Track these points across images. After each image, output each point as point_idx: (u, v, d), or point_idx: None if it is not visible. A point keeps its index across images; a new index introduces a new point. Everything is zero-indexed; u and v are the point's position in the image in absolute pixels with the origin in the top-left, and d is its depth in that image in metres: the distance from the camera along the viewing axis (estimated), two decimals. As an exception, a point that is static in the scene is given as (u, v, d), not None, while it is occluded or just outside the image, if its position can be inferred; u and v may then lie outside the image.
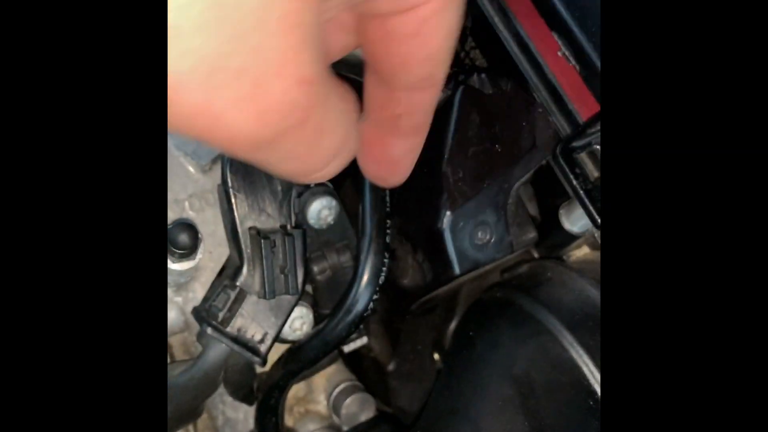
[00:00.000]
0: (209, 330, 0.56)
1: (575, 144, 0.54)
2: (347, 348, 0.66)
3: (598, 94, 0.56)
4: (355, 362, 0.77)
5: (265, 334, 0.58)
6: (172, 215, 0.62)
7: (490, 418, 0.53)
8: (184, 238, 0.54)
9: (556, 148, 0.54)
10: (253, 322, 0.57)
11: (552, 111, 0.61)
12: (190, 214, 0.63)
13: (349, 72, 0.46)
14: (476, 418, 0.54)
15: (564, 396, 0.53)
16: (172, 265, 0.56)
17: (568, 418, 0.53)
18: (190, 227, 0.55)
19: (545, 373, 0.54)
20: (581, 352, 0.55)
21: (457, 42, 0.75)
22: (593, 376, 0.54)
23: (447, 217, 0.57)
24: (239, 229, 0.57)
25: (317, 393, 0.73)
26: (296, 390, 0.72)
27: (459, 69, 0.61)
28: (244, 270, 0.57)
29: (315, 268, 0.64)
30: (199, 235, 0.57)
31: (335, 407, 0.71)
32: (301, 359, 0.61)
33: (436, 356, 0.78)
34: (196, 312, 0.58)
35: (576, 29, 0.57)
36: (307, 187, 0.61)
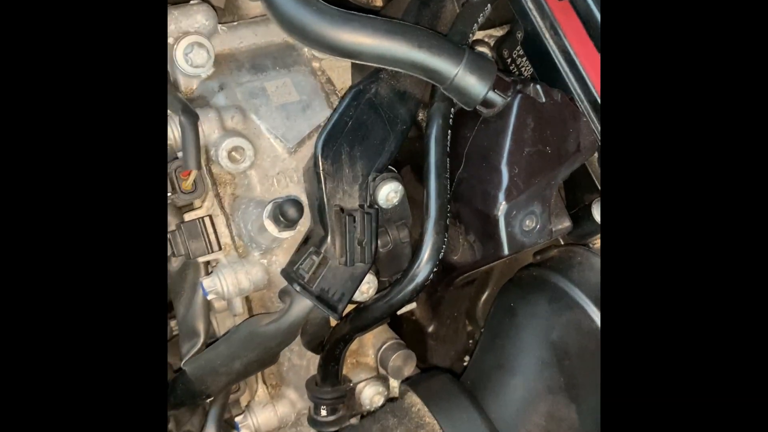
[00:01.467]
0: (297, 288, 0.67)
1: (616, 153, 0.64)
2: (400, 311, 0.77)
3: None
4: (396, 324, 0.89)
5: (342, 295, 0.68)
6: (261, 189, 0.72)
7: (531, 374, 0.65)
8: (293, 211, 0.64)
9: (599, 156, 0.65)
10: (333, 284, 0.68)
11: (593, 121, 0.72)
12: (277, 189, 0.73)
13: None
14: (520, 373, 0.65)
15: (592, 359, 0.65)
16: (276, 233, 0.66)
17: (595, 377, 0.64)
18: (298, 203, 0.64)
19: (577, 340, 0.66)
20: (606, 324, 0.66)
21: (507, 48, 0.85)
22: (616, 345, 0.65)
23: (503, 206, 0.68)
24: (326, 206, 0.67)
25: (367, 348, 0.84)
26: (350, 345, 0.83)
27: (517, 79, 0.71)
28: (328, 240, 0.67)
29: (379, 242, 0.74)
30: (305, 210, 0.67)
31: (382, 361, 0.83)
32: (367, 318, 0.72)
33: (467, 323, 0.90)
34: (286, 273, 0.68)
35: (622, 54, 0.67)
36: (379, 172, 0.70)
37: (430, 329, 0.88)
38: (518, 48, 0.80)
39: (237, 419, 0.80)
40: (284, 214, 0.64)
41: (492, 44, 0.85)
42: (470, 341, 0.95)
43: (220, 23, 0.77)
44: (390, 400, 0.80)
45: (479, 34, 0.86)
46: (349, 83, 0.84)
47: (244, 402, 0.83)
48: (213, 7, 0.78)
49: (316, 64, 0.80)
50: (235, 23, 0.79)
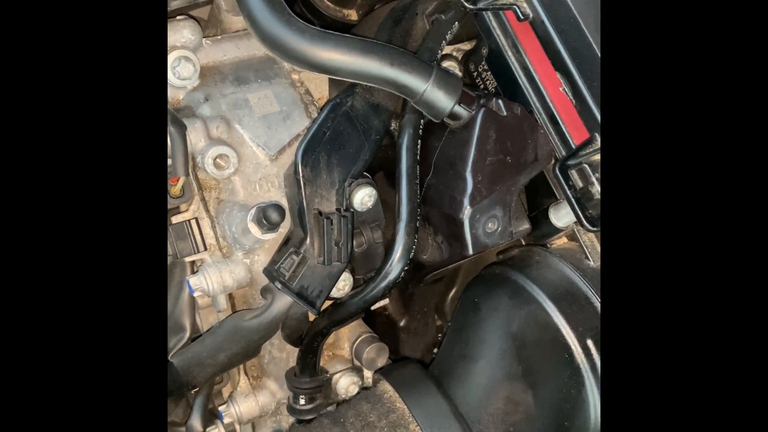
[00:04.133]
0: (278, 285, 0.72)
1: (569, 163, 0.71)
2: (374, 306, 0.83)
3: (588, 124, 0.74)
4: (370, 318, 0.94)
5: (320, 292, 0.74)
6: (244, 193, 0.78)
7: (493, 363, 0.72)
8: (275, 215, 0.69)
9: (555, 165, 0.71)
10: (311, 281, 0.73)
11: (551, 133, 0.78)
12: (259, 194, 0.78)
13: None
14: (483, 362, 0.72)
15: (547, 349, 0.71)
16: (259, 236, 0.72)
17: (550, 366, 0.71)
18: (280, 208, 0.70)
19: (534, 332, 0.72)
20: (560, 317, 0.73)
21: (473, 62, 0.92)
22: (568, 335, 0.72)
23: (467, 210, 0.74)
24: (305, 210, 0.72)
25: (342, 341, 0.89)
26: (326, 338, 0.88)
27: (480, 93, 0.77)
28: (307, 241, 0.73)
29: (354, 242, 0.80)
30: (286, 214, 0.73)
31: (357, 353, 0.88)
32: (343, 313, 0.77)
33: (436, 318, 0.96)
34: (267, 271, 0.73)
35: (575, 73, 0.73)
36: (355, 178, 0.76)
37: (402, 323, 0.94)
38: (483, 63, 0.87)
39: (220, 408, 0.86)
40: (267, 217, 0.69)
41: (460, 58, 0.91)
42: (439, 335, 1.01)
43: (204, 37, 0.82)
44: (364, 389, 0.86)
45: (448, 49, 0.92)
46: (326, 93, 0.89)
47: (226, 393, 0.89)
48: (197, 21, 0.83)
49: (295, 76, 0.85)
50: (219, 37, 0.84)
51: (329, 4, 0.95)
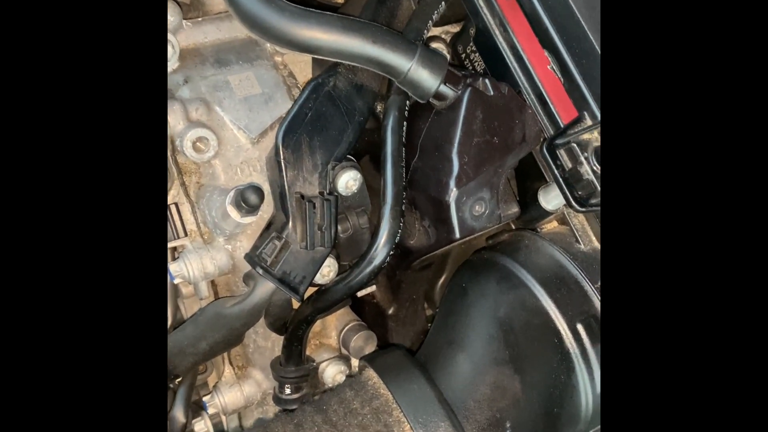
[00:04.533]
0: (260, 271, 0.70)
1: (557, 142, 0.69)
2: (360, 293, 0.81)
3: (577, 103, 0.72)
4: (358, 306, 0.93)
5: (303, 278, 0.72)
6: (225, 177, 0.76)
7: (480, 349, 0.70)
8: (254, 198, 0.67)
9: (543, 145, 0.69)
10: (294, 267, 0.71)
11: (539, 113, 0.76)
12: (240, 178, 0.76)
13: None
14: (469, 348, 0.70)
15: (536, 333, 0.70)
16: (238, 219, 0.70)
17: (538, 350, 0.69)
18: (258, 189, 0.68)
19: (522, 317, 0.70)
20: (549, 301, 0.72)
21: (461, 44, 0.90)
22: (558, 320, 0.70)
23: (453, 192, 0.72)
24: (287, 193, 0.71)
25: (330, 330, 0.88)
26: (313, 327, 0.87)
27: (467, 73, 0.75)
28: (289, 225, 0.71)
29: (339, 227, 0.78)
30: (266, 198, 0.71)
31: (344, 342, 0.87)
32: (328, 299, 0.75)
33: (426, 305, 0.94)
34: (249, 257, 0.72)
35: (563, 50, 0.71)
36: (338, 161, 0.74)
37: (390, 311, 0.92)
38: (471, 44, 0.85)
39: (205, 398, 0.84)
40: (246, 200, 0.67)
41: (448, 41, 0.89)
42: (428, 323, 0.99)
43: (185, 19, 0.80)
44: (350, 377, 0.84)
45: (436, 31, 0.90)
46: (310, 76, 0.87)
47: (211, 383, 0.87)
48: (178, 3, 0.81)
49: (278, 59, 0.83)
50: (200, 19, 0.82)
51: (314, -14, 0.93)
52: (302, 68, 0.87)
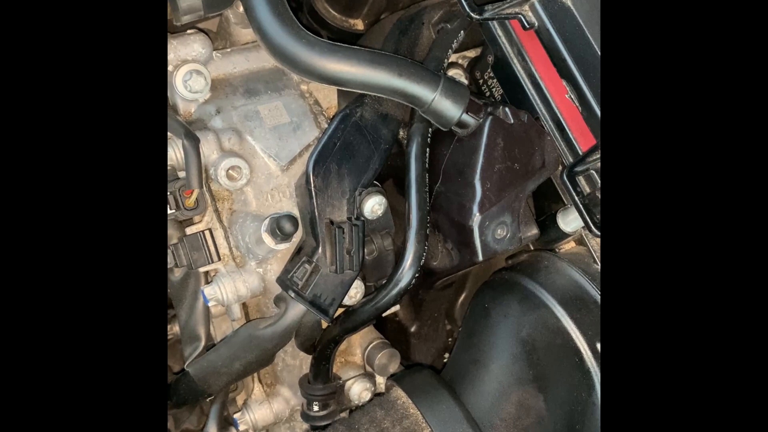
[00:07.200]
0: (291, 294, 0.73)
1: (577, 169, 0.72)
2: (385, 313, 0.84)
3: (594, 131, 0.75)
4: (381, 324, 0.96)
5: (333, 300, 0.75)
6: (257, 204, 0.79)
7: (504, 368, 0.73)
8: (289, 226, 0.70)
9: (563, 172, 0.72)
10: (324, 290, 0.74)
11: (558, 140, 0.79)
12: (271, 204, 0.79)
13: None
14: (494, 367, 0.73)
15: (557, 353, 0.72)
16: (273, 246, 0.73)
17: (560, 370, 0.72)
18: (293, 218, 0.71)
19: (544, 337, 0.73)
20: (570, 322, 0.74)
21: (479, 70, 0.93)
22: (578, 339, 0.73)
23: (476, 217, 0.75)
24: (317, 219, 0.74)
25: (354, 347, 0.91)
26: (338, 345, 0.89)
27: (488, 102, 0.78)
28: (319, 250, 0.74)
29: (365, 250, 0.81)
30: (299, 224, 0.74)
31: (369, 359, 0.89)
32: (356, 320, 0.78)
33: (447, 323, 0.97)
34: (281, 280, 0.75)
35: (581, 80, 0.74)
36: (365, 187, 0.77)
37: (413, 329, 0.95)
38: (489, 70, 0.88)
39: (235, 416, 0.87)
40: (281, 228, 0.70)
41: (465, 66, 0.92)
42: (449, 339, 1.02)
43: (213, 50, 0.84)
44: (377, 395, 0.87)
45: (454, 56, 0.93)
46: (334, 102, 0.91)
47: (241, 400, 0.90)
48: (206, 33, 0.85)
49: (304, 87, 0.87)
50: (229, 50, 0.86)
51: (336, 14, 0.97)
52: (326, 95, 0.90)
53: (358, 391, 0.87)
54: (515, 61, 0.82)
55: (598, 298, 0.76)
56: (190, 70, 0.78)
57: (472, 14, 0.74)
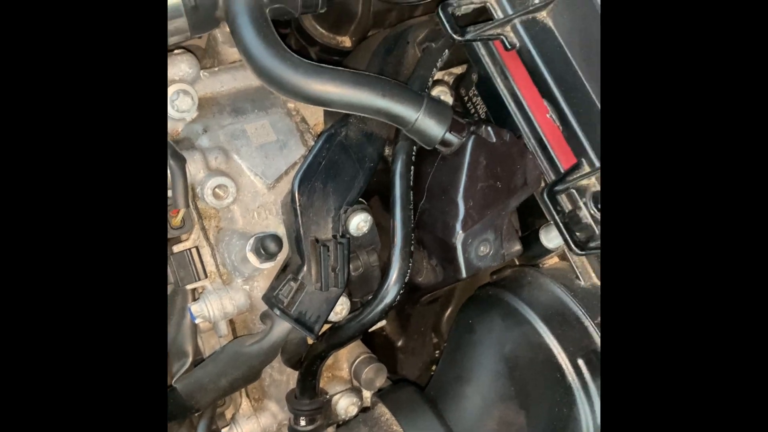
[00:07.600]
0: (277, 312, 0.74)
1: (558, 188, 0.73)
2: (371, 328, 0.85)
3: (575, 150, 0.76)
4: (368, 339, 0.96)
5: (318, 317, 0.76)
6: (243, 222, 0.80)
7: (487, 384, 0.74)
8: (273, 246, 0.72)
9: (544, 190, 0.73)
10: (309, 307, 0.75)
11: (540, 158, 0.80)
12: (257, 221, 0.80)
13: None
14: (477, 383, 0.74)
15: (539, 369, 0.73)
16: (257, 265, 0.74)
17: (542, 385, 0.73)
18: (277, 238, 0.72)
19: (526, 353, 0.74)
20: (552, 338, 0.75)
21: (464, 87, 0.94)
22: (560, 355, 0.74)
23: (460, 235, 0.76)
24: (302, 238, 0.75)
25: (341, 362, 0.91)
26: (325, 359, 0.90)
27: (471, 121, 0.80)
28: (305, 268, 0.75)
29: (350, 266, 0.82)
30: (283, 244, 0.75)
31: (356, 374, 0.90)
32: (341, 336, 0.79)
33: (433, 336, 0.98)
34: (267, 298, 0.76)
35: (562, 100, 0.76)
36: (350, 204, 0.78)
37: (400, 343, 0.96)
38: (473, 88, 0.89)
39: (223, 430, 0.87)
40: (265, 248, 0.71)
41: (451, 83, 0.94)
42: (437, 352, 1.03)
43: (200, 66, 0.85)
44: (363, 409, 0.88)
45: (439, 74, 0.94)
46: (320, 120, 0.92)
47: (229, 414, 0.91)
48: (193, 52, 0.86)
49: (291, 105, 0.88)
50: (216, 69, 0.87)
51: (323, 31, 0.98)
52: (313, 112, 0.91)
53: (345, 405, 0.88)
54: (498, 80, 0.84)
55: (580, 314, 0.77)
56: (177, 90, 0.79)
57: (455, 36, 0.76)
